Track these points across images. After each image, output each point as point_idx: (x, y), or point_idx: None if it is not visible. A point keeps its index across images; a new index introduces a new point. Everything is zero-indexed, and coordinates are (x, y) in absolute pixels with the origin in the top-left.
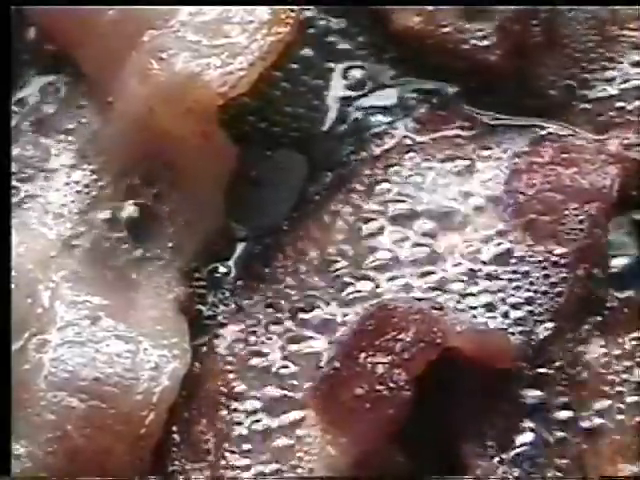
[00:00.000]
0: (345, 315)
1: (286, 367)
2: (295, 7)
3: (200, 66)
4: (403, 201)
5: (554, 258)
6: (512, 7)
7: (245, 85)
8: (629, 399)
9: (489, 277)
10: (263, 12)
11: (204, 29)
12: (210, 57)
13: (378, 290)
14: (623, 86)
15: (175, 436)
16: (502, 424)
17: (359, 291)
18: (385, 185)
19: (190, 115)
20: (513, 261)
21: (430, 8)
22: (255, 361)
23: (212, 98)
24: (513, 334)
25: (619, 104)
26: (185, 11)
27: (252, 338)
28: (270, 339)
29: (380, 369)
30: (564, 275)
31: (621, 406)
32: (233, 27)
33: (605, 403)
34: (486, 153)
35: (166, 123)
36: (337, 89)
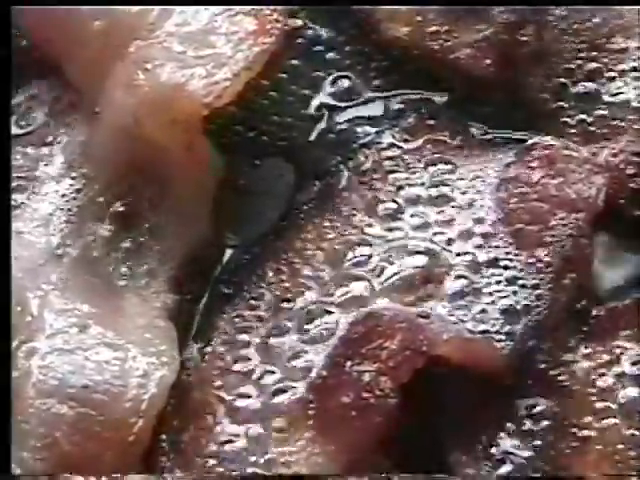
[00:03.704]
0: (336, 323)
1: (274, 374)
2: (278, 8)
3: (185, 76)
4: (390, 208)
5: (541, 267)
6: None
7: (230, 95)
8: (615, 406)
9: (476, 285)
10: (248, 22)
11: (189, 40)
12: (195, 67)
13: (367, 298)
14: (611, 96)
15: (164, 444)
16: (489, 431)
17: (348, 299)
18: (373, 195)
19: (175, 125)
20: (500, 269)
21: (419, 18)
22: (243, 369)
23: (197, 108)
24: (499, 342)
25: (607, 114)
26: (171, 22)
27: (240, 345)
28: (258, 347)
29: (367, 377)
30: (551, 284)
31: (607, 413)
32: (218, 38)
33: (591, 410)
34: (474, 163)
35: (152, 133)
36: (325, 98)
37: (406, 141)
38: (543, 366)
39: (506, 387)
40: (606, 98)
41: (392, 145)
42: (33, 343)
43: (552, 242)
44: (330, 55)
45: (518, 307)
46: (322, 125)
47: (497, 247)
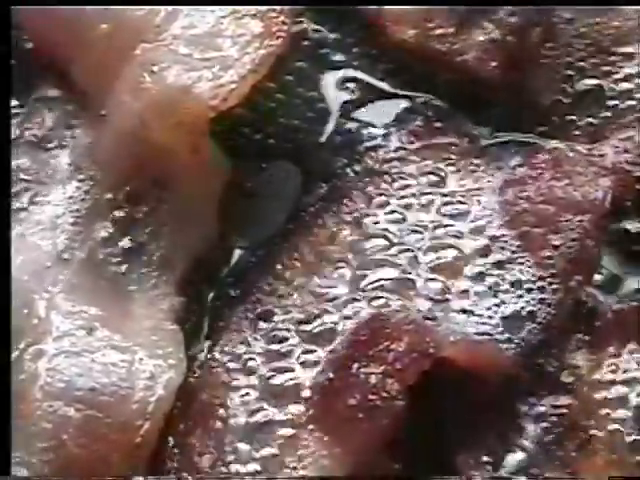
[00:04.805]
0: (342, 326)
1: (280, 377)
2: (285, 9)
3: (192, 79)
4: (397, 211)
5: (547, 269)
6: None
7: (236, 98)
8: (620, 409)
9: (483, 288)
10: (255, 25)
11: (196, 42)
12: (202, 70)
13: (373, 298)
14: (618, 99)
15: (170, 446)
16: (495, 434)
17: (356, 300)
18: (380, 198)
19: (182, 128)
20: (506, 272)
21: (426, 20)
22: (250, 372)
23: (203, 111)
24: (506, 344)
25: (613, 116)
26: (177, 24)
27: (246, 348)
28: (264, 350)
29: (373, 379)
30: (557, 286)
31: (613, 416)
32: (225, 40)
33: (596, 413)
34: (480, 165)
35: (158, 136)
36: (331, 101)
37: (412, 143)
38: (549, 368)
39: (512, 389)
40: (613, 100)
41: (399, 148)
42: (40, 345)
43: (558, 244)
44: (336, 57)
45: (524, 309)
46: (329, 127)
47: (503, 249)
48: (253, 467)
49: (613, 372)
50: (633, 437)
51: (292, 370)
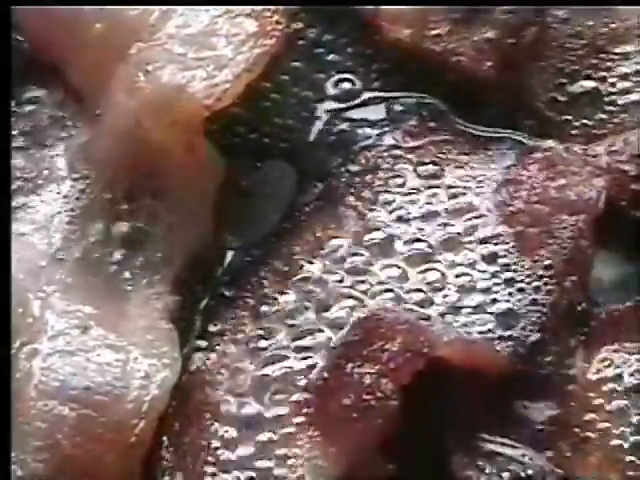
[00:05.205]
0: (336, 326)
1: (275, 377)
2: (280, 8)
3: (186, 78)
4: (392, 211)
5: (542, 269)
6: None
7: (231, 97)
8: (616, 409)
9: (477, 288)
10: (249, 24)
11: (190, 42)
12: (196, 69)
13: (368, 298)
14: (613, 99)
15: (165, 446)
16: (489, 433)
17: (350, 297)
18: (374, 197)
19: (176, 127)
20: (501, 272)
21: (421, 20)
22: (244, 371)
23: (198, 110)
24: (500, 344)
25: (608, 116)
26: (172, 24)
27: (241, 348)
28: (259, 349)
29: (368, 379)
30: (551, 286)
31: (607, 416)
32: (219, 39)
33: (592, 413)
34: (475, 165)
35: (153, 135)
36: (327, 100)
37: (407, 143)
38: (544, 368)
39: (507, 389)
40: (608, 100)
41: (393, 147)
42: (35, 345)
43: (553, 244)
44: (331, 57)
45: (519, 309)
46: (324, 127)
47: (497, 249)
48: (247, 467)
49: (608, 372)
50: (628, 435)
51: (287, 370)
